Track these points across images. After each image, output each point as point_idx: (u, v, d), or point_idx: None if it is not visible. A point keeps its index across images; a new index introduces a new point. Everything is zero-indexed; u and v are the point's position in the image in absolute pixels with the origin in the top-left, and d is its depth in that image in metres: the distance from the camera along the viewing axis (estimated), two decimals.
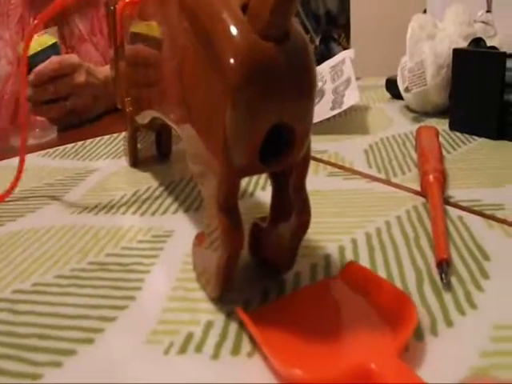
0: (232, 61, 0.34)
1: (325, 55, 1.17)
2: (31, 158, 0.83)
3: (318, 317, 0.40)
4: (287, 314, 0.40)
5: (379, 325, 0.38)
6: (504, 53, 0.76)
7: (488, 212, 0.55)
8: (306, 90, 0.36)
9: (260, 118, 0.35)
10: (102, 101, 1.11)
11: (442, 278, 0.43)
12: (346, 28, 1.27)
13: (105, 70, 1.14)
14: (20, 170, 0.67)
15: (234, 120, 0.34)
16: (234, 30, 0.34)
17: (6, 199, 0.66)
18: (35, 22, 0.64)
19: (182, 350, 0.38)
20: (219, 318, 0.41)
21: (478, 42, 0.86)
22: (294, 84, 0.35)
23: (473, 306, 0.40)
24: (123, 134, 0.83)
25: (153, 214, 0.60)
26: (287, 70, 0.34)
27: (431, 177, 0.59)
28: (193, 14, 0.39)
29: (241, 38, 0.34)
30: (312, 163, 0.72)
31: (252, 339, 0.38)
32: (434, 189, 0.57)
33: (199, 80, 0.38)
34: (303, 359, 0.35)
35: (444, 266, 0.44)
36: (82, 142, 0.90)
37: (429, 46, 0.88)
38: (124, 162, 0.78)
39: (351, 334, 0.38)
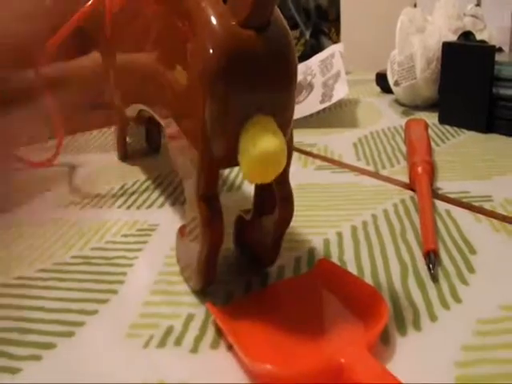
0: (210, 50, 0.33)
1: (315, 49, 1.17)
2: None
3: (288, 313, 0.40)
4: (257, 309, 0.40)
5: (350, 320, 0.38)
6: (493, 46, 0.76)
7: (476, 204, 0.55)
8: (287, 80, 0.36)
9: (239, 109, 0.34)
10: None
11: (429, 269, 0.43)
12: (336, 22, 1.26)
13: None
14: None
15: (212, 110, 0.34)
16: (213, 19, 0.34)
17: None
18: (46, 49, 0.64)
19: (162, 343, 0.38)
20: (200, 312, 0.41)
21: (467, 35, 0.86)
22: (275, 73, 0.35)
23: (457, 300, 0.40)
24: (113, 128, 0.83)
25: (138, 207, 0.59)
26: (267, 58, 0.34)
27: (420, 168, 0.59)
28: (174, 2, 0.39)
29: (220, 27, 0.33)
30: (300, 157, 0.72)
31: (223, 334, 0.38)
32: (423, 180, 0.57)
33: (179, 69, 0.38)
34: (273, 354, 0.35)
35: (431, 256, 0.44)
36: (71, 136, 0.89)
37: (418, 40, 0.87)
38: (113, 155, 0.78)
39: (322, 330, 0.38)
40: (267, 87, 0.35)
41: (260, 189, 0.43)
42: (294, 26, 1.19)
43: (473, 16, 0.92)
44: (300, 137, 0.80)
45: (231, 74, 0.34)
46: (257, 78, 0.34)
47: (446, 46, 0.80)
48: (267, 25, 0.34)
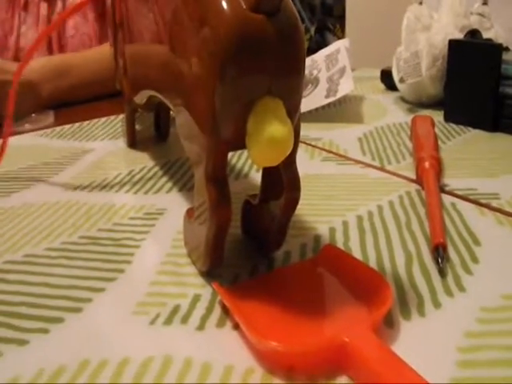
0: (221, 33, 0.34)
1: (320, 45, 1.17)
2: (28, 137, 0.83)
3: (294, 294, 0.40)
4: (263, 290, 0.40)
5: (354, 303, 0.39)
6: (500, 45, 0.76)
7: (483, 201, 0.55)
8: (296, 63, 0.36)
9: (248, 91, 0.35)
10: (25, 98, 0.95)
11: (438, 263, 0.43)
12: (341, 19, 1.26)
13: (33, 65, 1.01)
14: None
15: (221, 92, 0.35)
16: (224, 3, 0.34)
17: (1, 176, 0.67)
18: (33, 44, 0.63)
19: (168, 321, 0.38)
20: (207, 292, 0.41)
21: (473, 33, 0.86)
22: (284, 56, 0.35)
23: (461, 288, 0.41)
24: (121, 116, 0.83)
25: (146, 192, 0.60)
26: (277, 42, 0.34)
27: (427, 164, 0.59)
28: None
29: (230, 11, 0.34)
30: (307, 148, 0.72)
31: (229, 313, 0.38)
32: (430, 175, 0.57)
33: (190, 53, 0.38)
34: (278, 333, 0.35)
35: (440, 250, 0.44)
36: (79, 123, 0.90)
37: (424, 37, 0.87)
38: (122, 142, 0.78)
39: (327, 311, 0.38)
40: (276, 70, 0.35)
41: (267, 173, 0.44)
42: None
43: (479, 14, 0.92)
44: (305, 131, 0.80)
45: (241, 57, 0.34)
46: (266, 61, 0.35)
47: (453, 44, 0.80)
48: (277, 11, 0.35)
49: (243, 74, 0.34)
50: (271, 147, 0.35)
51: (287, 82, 0.36)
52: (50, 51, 1.24)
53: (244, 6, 0.34)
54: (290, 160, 0.39)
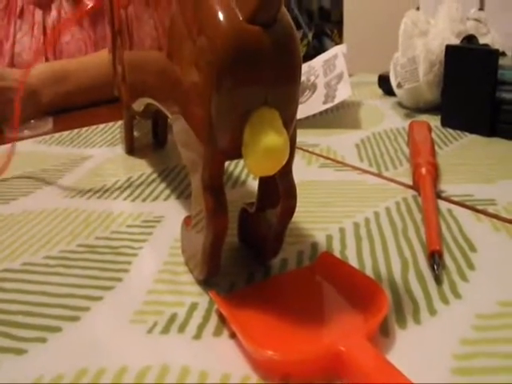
0: (217, 44, 0.34)
1: (318, 51, 1.18)
2: (27, 144, 0.84)
3: (290, 303, 0.40)
4: (259, 299, 0.40)
5: (350, 311, 0.39)
6: (497, 50, 0.76)
7: (480, 207, 0.55)
8: (292, 74, 0.36)
9: (244, 101, 0.35)
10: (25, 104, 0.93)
11: (434, 270, 0.44)
12: (339, 24, 1.27)
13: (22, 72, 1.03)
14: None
15: (218, 102, 0.35)
16: (220, 15, 0.34)
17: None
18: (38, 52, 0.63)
19: (165, 329, 0.38)
20: (204, 301, 0.41)
21: (470, 39, 0.86)
22: (280, 67, 0.35)
23: (457, 295, 0.41)
24: (119, 122, 0.83)
25: (144, 199, 0.60)
26: (273, 53, 0.35)
27: (424, 170, 0.59)
28: None
29: (227, 23, 0.34)
30: (304, 155, 0.72)
31: (226, 321, 0.39)
32: (427, 181, 0.57)
33: (187, 63, 0.38)
34: (275, 342, 0.36)
35: (436, 257, 0.44)
36: (78, 129, 0.90)
37: (421, 43, 0.88)
38: (120, 149, 0.79)
39: (322, 319, 0.38)
40: (273, 81, 0.35)
41: (264, 182, 0.44)
42: (297, 27, 1.19)
43: (476, 20, 0.92)
44: (302, 137, 0.80)
45: (237, 68, 0.34)
46: (263, 72, 0.35)
47: (450, 49, 0.80)
48: (273, 22, 0.35)
49: (239, 85, 0.35)
50: (267, 157, 0.35)
51: (283, 92, 0.36)
52: (46, 58, 1.26)
53: (240, 18, 0.34)
54: (286, 169, 0.40)
